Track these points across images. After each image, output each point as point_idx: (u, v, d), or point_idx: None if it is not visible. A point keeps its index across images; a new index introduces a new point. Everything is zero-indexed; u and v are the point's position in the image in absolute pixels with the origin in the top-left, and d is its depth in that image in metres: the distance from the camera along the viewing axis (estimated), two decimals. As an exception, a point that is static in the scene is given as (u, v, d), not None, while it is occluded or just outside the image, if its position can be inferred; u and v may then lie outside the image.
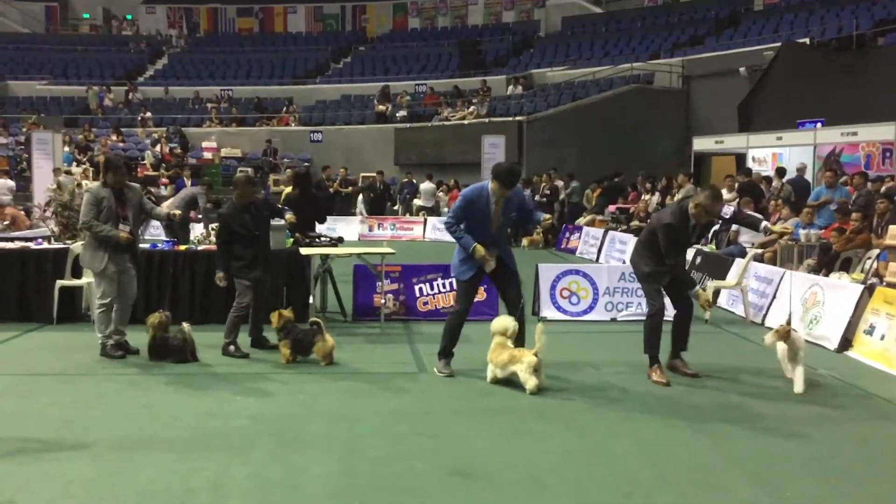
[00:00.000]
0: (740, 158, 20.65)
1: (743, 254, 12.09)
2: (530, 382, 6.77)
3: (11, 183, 23.22)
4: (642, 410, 6.41)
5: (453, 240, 7.42)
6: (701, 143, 22.26)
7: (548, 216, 7.92)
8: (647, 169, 21.50)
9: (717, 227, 13.06)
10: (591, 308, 10.53)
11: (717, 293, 11.24)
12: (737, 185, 15.93)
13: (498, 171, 7.22)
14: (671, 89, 27.09)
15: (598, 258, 17.51)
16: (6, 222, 13.78)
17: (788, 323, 7.23)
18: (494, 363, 7.06)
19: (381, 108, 30.54)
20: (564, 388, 6.99)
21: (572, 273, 10.70)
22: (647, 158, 24.03)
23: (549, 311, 10.50)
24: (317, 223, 11.04)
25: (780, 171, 16.73)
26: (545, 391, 6.80)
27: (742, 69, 23.89)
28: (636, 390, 7.04)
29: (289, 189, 11.80)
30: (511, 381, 7.01)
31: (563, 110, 26.43)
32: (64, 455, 5.13)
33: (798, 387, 6.94)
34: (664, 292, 7.52)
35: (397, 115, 30.01)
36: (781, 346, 7.24)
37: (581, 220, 20.52)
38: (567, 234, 20.40)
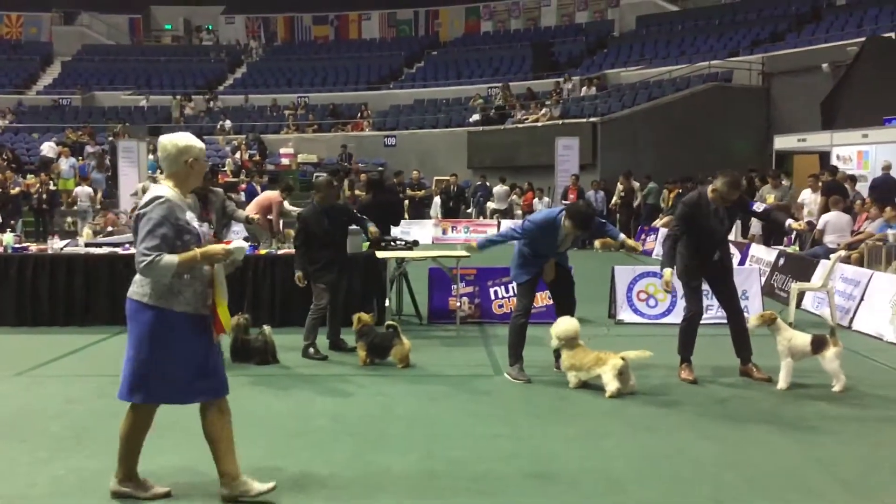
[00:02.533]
0: (824, 157, 20.05)
1: (828, 254, 11.73)
2: (612, 385, 6.70)
3: (89, 190, 24.13)
4: (724, 415, 6.29)
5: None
6: (783, 142, 21.71)
7: (633, 244, 8.13)
8: (727, 169, 20.99)
9: (799, 224, 12.65)
10: (668, 311, 10.34)
11: (801, 295, 10.93)
12: (820, 184, 15.47)
13: (574, 214, 7.28)
14: (751, 87, 26.48)
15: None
16: (109, 228, 14.27)
17: (833, 334, 6.99)
18: (578, 367, 7.00)
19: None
20: (643, 391, 6.90)
21: (650, 275, 10.53)
22: (726, 159, 23.45)
23: (625, 314, 10.38)
24: (391, 227, 11.13)
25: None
26: (624, 395, 6.73)
27: (825, 65, 23.28)
28: (717, 395, 6.90)
29: (353, 193, 11.97)
30: (589, 385, 6.97)
31: (638, 111, 26.08)
32: (154, 450, 5.27)
33: (781, 382, 6.99)
34: (704, 295, 7.68)
35: (470, 119, 30.01)
36: (782, 337, 7.06)
37: (658, 222, 20.21)
38: (643, 236, 20.10)
